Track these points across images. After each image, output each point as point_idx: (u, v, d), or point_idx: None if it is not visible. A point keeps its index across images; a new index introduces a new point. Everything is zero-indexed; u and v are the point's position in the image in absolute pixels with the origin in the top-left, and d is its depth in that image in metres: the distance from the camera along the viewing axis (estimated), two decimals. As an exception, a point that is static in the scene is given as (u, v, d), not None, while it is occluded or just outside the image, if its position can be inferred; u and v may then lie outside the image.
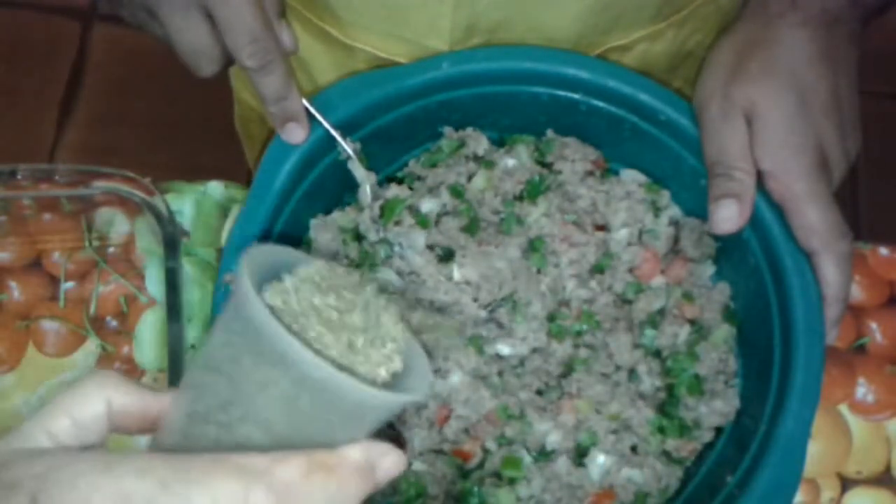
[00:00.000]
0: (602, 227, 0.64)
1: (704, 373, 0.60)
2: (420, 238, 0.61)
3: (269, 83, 0.57)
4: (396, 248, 0.61)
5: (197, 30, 0.55)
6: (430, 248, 0.62)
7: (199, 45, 0.56)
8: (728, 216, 0.58)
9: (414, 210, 0.63)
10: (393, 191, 0.63)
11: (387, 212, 0.62)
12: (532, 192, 0.64)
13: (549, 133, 0.67)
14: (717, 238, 0.63)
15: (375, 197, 0.63)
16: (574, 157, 0.65)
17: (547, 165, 0.66)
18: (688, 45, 0.72)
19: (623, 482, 0.59)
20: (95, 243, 0.72)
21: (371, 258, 0.62)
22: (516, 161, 0.65)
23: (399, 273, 0.61)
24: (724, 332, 0.62)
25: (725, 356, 0.61)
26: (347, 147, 0.62)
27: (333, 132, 0.61)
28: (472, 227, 0.63)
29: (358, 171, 0.63)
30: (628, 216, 0.64)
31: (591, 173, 0.66)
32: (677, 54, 0.72)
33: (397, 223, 0.61)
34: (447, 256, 0.62)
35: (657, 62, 0.71)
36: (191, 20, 0.55)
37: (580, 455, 0.60)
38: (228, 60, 0.57)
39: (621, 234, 0.64)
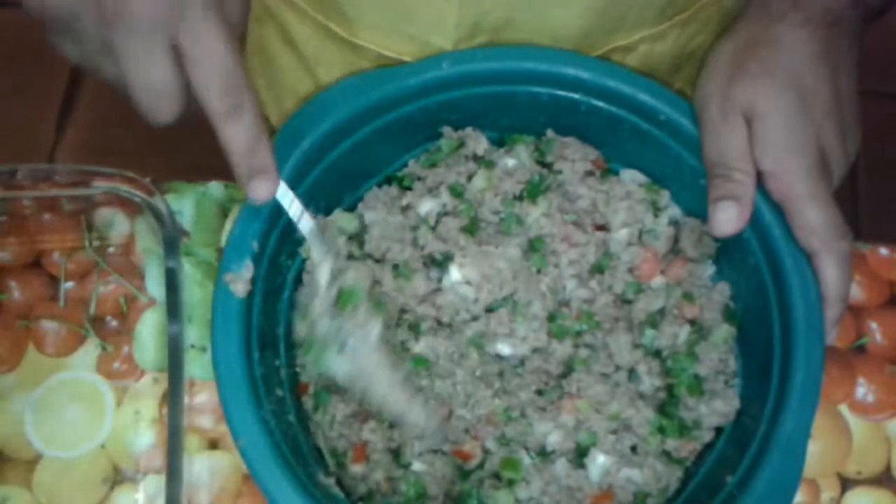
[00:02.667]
0: (602, 227, 0.64)
1: (704, 373, 0.60)
2: (374, 330, 0.58)
3: (239, 132, 0.50)
4: (350, 341, 0.58)
5: (159, 64, 0.48)
6: (430, 258, 0.62)
7: (160, 84, 0.48)
8: (728, 218, 0.58)
9: (373, 291, 0.61)
10: (351, 276, 0.59)
11: (342, 299, 0.58)
12: (532, 191, 0.64)
13: (549, 133, 0.67)
14: (717, 238, 0.63)
15: (334, 277, 0.59)
16: (574, 157, 0.65)
17: (547, 165, 0.66)
18: (690, 46, 0.72)
19: (622, 482, 0.59)
20: (95, 243, 0.72)
21: (322, 344, 0.58)
22: (516, 161, 0.65)
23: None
24: (724, 333, 0.62)
25: (725, 356, 0.61)
26: (307, 223, 0.58)
27: (293, 210, 0.57)
28: (472, 227, 0.63)
29: (316, 249, 0.59)
30: (628, 216, 0.64)
31: (591, 173, 0.66)
32: (680, 55, 0.72)
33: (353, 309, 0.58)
34: (445, 261, 0.62)
35: (660, 63, 0.71)
36: (154, 53, 0.48)
37: (580, 455, 0.60)
38: (189, 107, 0.50)
39: (621, 234, 0.64)
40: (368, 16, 0.67)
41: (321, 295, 0.58)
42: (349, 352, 0.57)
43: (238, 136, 0.50)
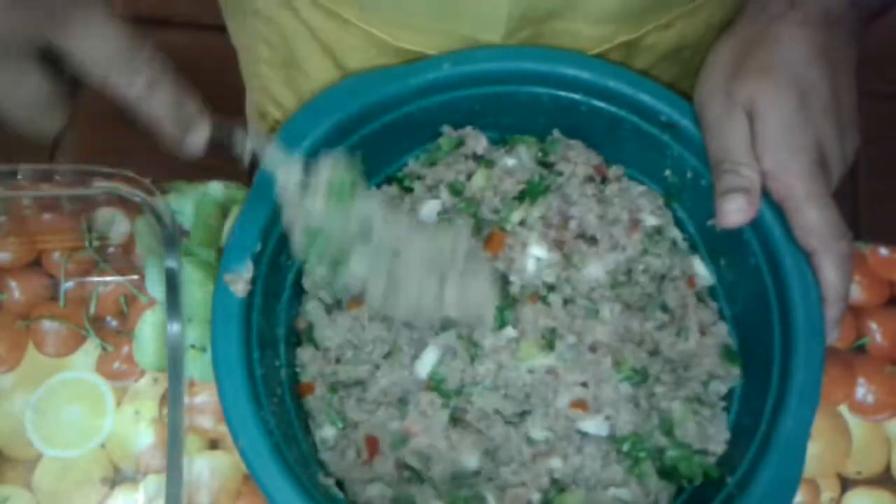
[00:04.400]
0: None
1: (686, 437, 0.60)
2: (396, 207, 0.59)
3: (163, 101, 0.46)
4: (375, 227, 0.54)
5: (30, 78, 0.42)
6: None
7: (37, 97, 0.43)
8: (737, 207, 0.57)
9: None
10: (328, 167, 0.55)
11: (336, 193, 0.54)
12: (531, 192, 0.64)
13: (556, 133, 0.66)
14: (717, 238, 0.63)
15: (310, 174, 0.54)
16: (577, 160, 0.65)
17: (549, 166, 0.66)
18: (714, 19, 0.71)
19: (609, 500, 0.58)
20: (95, 243, 0.72)
21: (336, 245, 0.54)
22: (516, 161, 0.65)
23: None
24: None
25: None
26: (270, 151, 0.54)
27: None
28: (477, 228, 0.63)
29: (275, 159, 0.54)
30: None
31: (591, 178, 0.65)
32: (708, 28, 0.72)
33: None
34: None
35: (689, 38, 0.71)
36: (28, 70, 0.42)
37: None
38: (68, 111, 0.46)
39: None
40: (415, 19, 0.66)
41: (312, 192, 0.52)
42: (375, 239, 0.53)
43: (162, 106, 0.46)
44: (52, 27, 0.42)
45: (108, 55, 0.43)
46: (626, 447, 0.59)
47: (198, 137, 0.49)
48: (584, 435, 0.59)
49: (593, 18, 0.65)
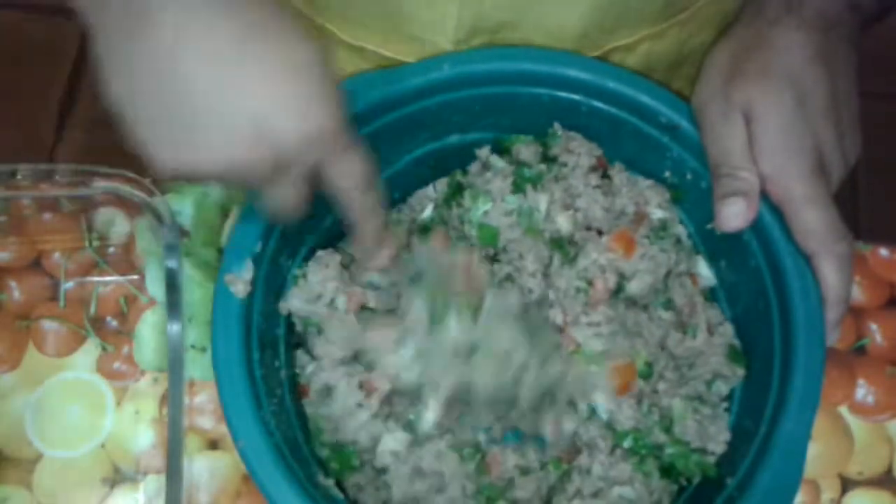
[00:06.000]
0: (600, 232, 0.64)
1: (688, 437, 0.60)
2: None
3: (377, 222, 0.55)
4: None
5: (299, 191, 0.50)
6: None
7: (296, 201, 0.50)
8: (736, 212, 0.58)
9: None
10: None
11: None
12: (531, 180, 0.64)
13: (556, 126, 0.66)
14: (717, 240, 0.63)
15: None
16: (580, 151, 0.65)
17: (551, 160, 0.66)
18: (689, 46, 0.72)
19: (615, 499, 0.58)
20: (95, 243, 0.72)
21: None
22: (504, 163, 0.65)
23: None
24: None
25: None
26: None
27: None
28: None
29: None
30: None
31: (594, 168, 0.65)
32: (679, 53, 0.72)
33: None
34: None
35: (660, 61, 0.71)
36: (296, 185, 0.49)
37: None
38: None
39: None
40: (369, 18, 0.67)
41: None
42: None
43: (376, 226, 0.55)
44: (327, 161, 0.49)
45: (358, 178, 0.51)
46: (626, 443, 0.59)
47: (385, 256, 0.58)
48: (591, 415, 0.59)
49: (549, 34, 0.65)
